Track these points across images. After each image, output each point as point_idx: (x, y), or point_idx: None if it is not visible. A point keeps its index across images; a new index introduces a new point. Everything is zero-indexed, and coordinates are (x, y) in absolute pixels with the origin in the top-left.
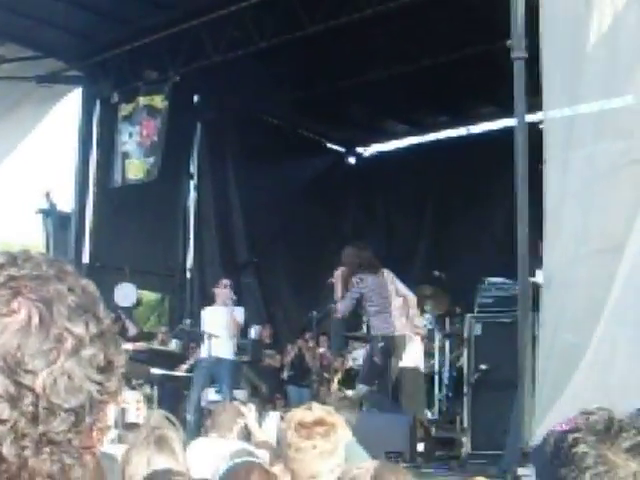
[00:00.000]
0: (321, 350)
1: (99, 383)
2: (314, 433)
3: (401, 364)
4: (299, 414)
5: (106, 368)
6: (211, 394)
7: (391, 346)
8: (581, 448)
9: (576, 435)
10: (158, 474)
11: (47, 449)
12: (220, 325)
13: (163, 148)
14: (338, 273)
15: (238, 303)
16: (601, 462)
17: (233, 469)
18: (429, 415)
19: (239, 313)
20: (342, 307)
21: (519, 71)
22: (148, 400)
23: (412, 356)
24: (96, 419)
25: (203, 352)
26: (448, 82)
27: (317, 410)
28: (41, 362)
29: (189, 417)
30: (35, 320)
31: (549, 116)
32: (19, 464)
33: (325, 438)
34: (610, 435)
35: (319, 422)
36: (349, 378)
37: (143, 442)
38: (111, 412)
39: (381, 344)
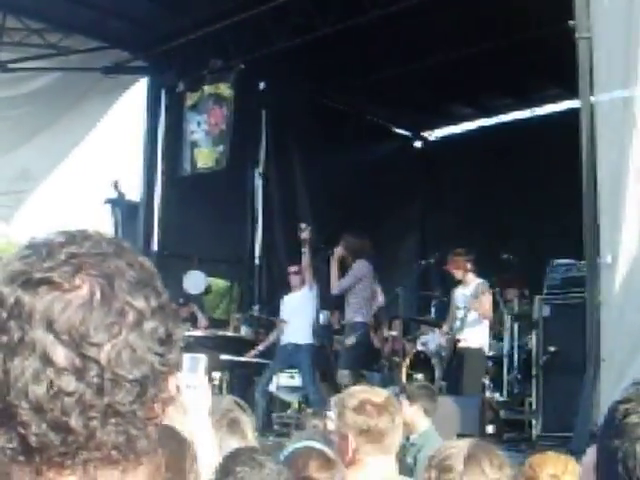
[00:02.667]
0: (393, 333)
1: (161, 355)
2: (373, 413)
3: (465, 344)
4: (363, 394)
5: (166, 340)
6: (283, 379)
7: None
8: (632, 419)
9: (627, 406)
10: (242, 451)
11: (113, 420)
12: (295, 310)
13: (231, 136)
14: (339, 252)
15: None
16: None
17: (292, 455)
18: (498, 397)
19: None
20: (343, 285)
21: (583, 51)
22: (218, 387)
23: (477, 337)
24: (159, 390)
25: (282, 340)
26: (512, 64)
27: (380, 392)
28: (105, 335)
29: (260, 401)
30: (97, 295)
31: (602, 98)
32: (87, 435)
33: (387, 418)
34: None
35: (378, 403)
36: (419, 362)
37: (215, 424)
38: (173, 384)
39: (360, 331)
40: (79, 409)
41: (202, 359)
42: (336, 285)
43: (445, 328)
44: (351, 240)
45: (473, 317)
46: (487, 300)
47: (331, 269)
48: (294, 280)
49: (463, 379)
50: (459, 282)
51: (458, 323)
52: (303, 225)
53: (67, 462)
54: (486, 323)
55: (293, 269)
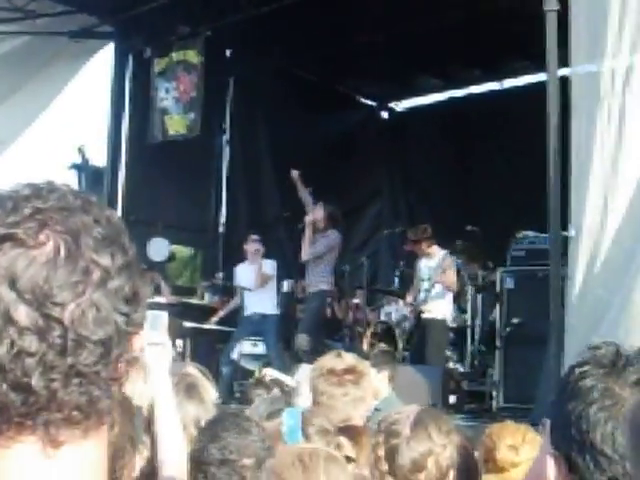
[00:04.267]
0: (356, 301)
1: (126, 314)
2: (345, 380)
3: (429, 315)
4: (330, 362)
5: (132, 299)
6: (246, 347)
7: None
8: (587, 382)
9: (583, 369)
10: (226, 416)
11: (75, 381)
12: (251, 281)
13: (202, 103)
14: (316, 216)
15: (269, 257)
16: (607, 395)
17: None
18: (460, 368)
19: (267, 266)
20: (317, 251)
21: (551, 24)
22: (181, 354)
23: (440, 308)
24: (123, 351)
25: (246, 309)
26: (481, 36)
27: (347, 358)
28: (69, 294)
29: (224, 370)
30: (62, 252)
31: (576, 71)
32: (48, 396)
33: (356, 385)
34: (617, 369)
35: (349, 370)
36: (381, 332)
37: (173, 389)
38: (137, 344)
39: (329, 299)
40: (41, 370)
41: (164, 316)
42: (308, 251)
43: (409, 299)
44: (331, 208)
45: (437, 289)
46: (452, 272)
47: (305, 234)
48: (249, 250)
49: (426, 350)
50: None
51: (422, 295)
52: (294, 171)
53: (27, 422)
54: (450, 295)
55: (252, 237)
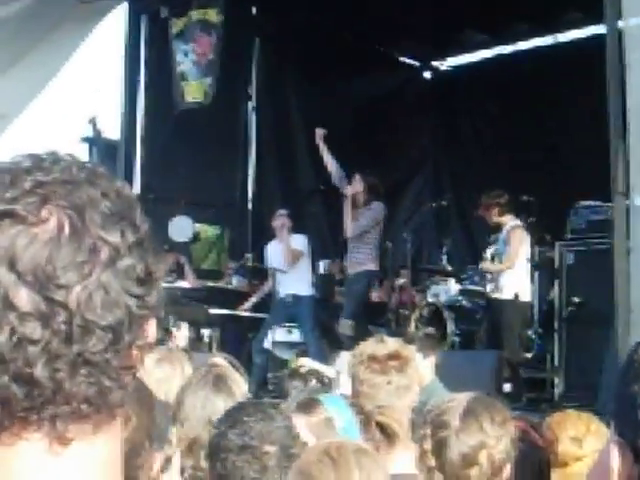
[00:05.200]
0: (400, 282)
1: (138, 296)
2: (388, 367)
3: (497, 295)
4: (371, 347)
5: (145, 280)
6: (279, 334)
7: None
8: None
9: None
10: (248, 403)
11: (83, 370)
12: (281, 260)
13: (219, 67)
14: (355, 188)
15: (304, 234)
16: None
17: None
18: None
19: (296, 240)
20: (362, 226)
21: None
22: (208, 345)
23: (509, 285)
24: (136, 336)
25: (278, 292)
26: None
27: (390, 342)
28: (74, 275)
29: (256, 360)
30: (66, 229)
31: (631, 22)
32: (53, 387)
33: (400, 373)
34: None
35: (393, 355)
36: (430, 315)
37: (199, 381)
38: (152, 328)
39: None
40: (45, 359)
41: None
42: (353, 227)
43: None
44: (371, 179)
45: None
46: (515, 246)
47: (345, 208)
48: (277, 226)
49: (502, 336)
50: (496, 227)
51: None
52: (319, 131)
53: (32, 417)
54: (522, 269)
55: (281, 212)
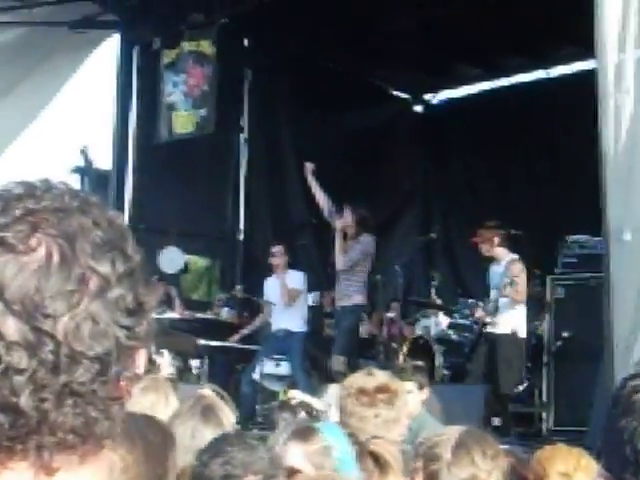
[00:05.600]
0: (391, 315)
1: (127, 327)
2: (377, 400)
3: (494, 329)
4: (360, 380)
5: (135, 310)
6: (268, 367)
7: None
8: None
9: (636, 382)
10: (230, 435)
11: (69, 401)
12: (278, 296)
13: (216, 98)
14: (346, 221)
15: (294, 268)
16: None
17: None
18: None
19: (294, 279)
20: (353, 259)
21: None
22: (196, 376)
23: (510, 320)
24: (124, 367)
25: (273, 325)
26: (524, 19)
27: (379, 375)
28: (62, 305)
29: (244, 391)
30: (56, 258)
31: (620, 57)
32: (39, 417)
33: (389, 406)
34: None
35: (382, 388)
36: (418, 348)
37: (188, 412)
38: (141, 359)
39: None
40: (31, 388)
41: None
42: (343, 260)
43: (478, 312)
44: (362, 212)
45: (506, 299)
46: (521, 281)
47: (336, 241)
48: (277, 260)
49: (498, 371)
50: (488, 259)
51: (490, 305)
52: (308, 165)
53: (17, 447)
54: (522, 305)
55: (277, 248)
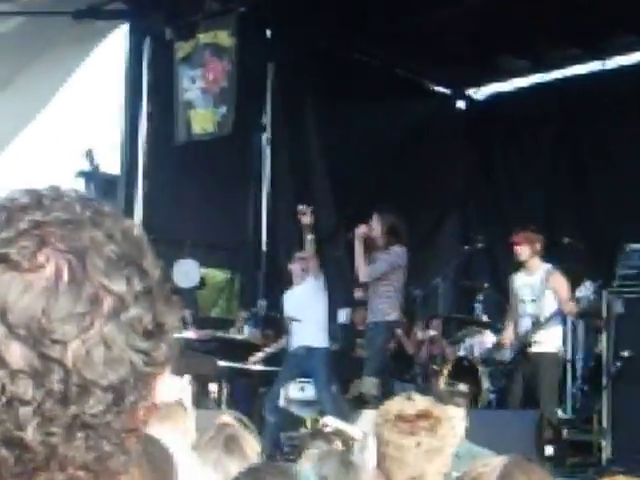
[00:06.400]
0: (431, 333)
1: (145, 352)
2: (417, 427)
3: (539, 348)
4: (398, 405)
5: (154, 333)
6: (293, 391)
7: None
8: None
9: None
10: (269, 465)
11: (80, 434)
12: (301, 307)
13: (236, 95)
14: (369, 229)
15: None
16: None
17: None
18: (560, 413)
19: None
20: (378, 270)
21: None
22: (216, 400)
23: (553, 338)
24: (141, 396)
25: (291, 344)
26: (575, 6)
27: (420, 401)
28: (72, 329)
29: (269, 419)
30: (65, 276)
31: None
32: (46, 452)
33: (431, 433)
34: None
35: (423, 415)
36: (461, 370)
37: (209, 443)
38: (160, 386)
39: (396, 331)
40: (37, 421)
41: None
42: (366, 270)
43: (508, 332)
44: (392, 220)
45: (547, 313)
46: (563, 289)
47: (356, 250)
48: (295, 270)
49: (541, 393)
50: (518, 267)
51: (526, 321)
52: (303, 207)
53: None
54: (559, 320)
55: (298, 255)
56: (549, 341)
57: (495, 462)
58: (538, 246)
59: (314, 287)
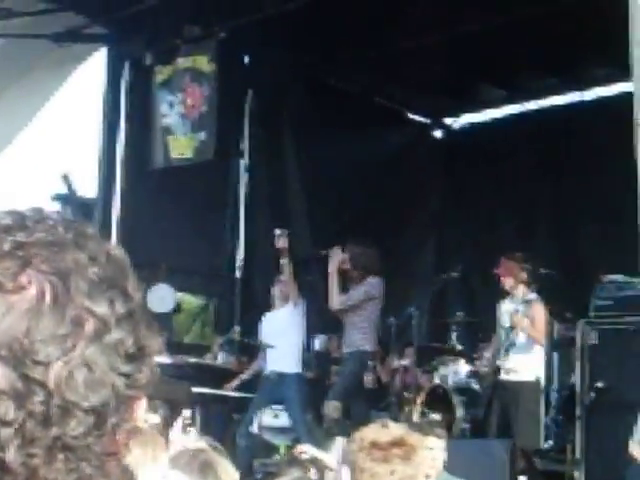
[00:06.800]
0: (405, 363)
1: (127, 375)
2: (391, 455)
3: (512, 376)
4: (372, 433)
5: (136, 356)
6: (267, 418)
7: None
8: None
9: None
10: None
11: (61, 456)
12: (277, 332)
13: (216, 120)
14: (339, 259)
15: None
16: None
17: None
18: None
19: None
20: (352, 299)
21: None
22: (189, 427)
23: (529, 365)
24: (122, 419)
25: (265, 368)
26: (554, 36)
27: (394, 428)
28: (55, 350)
29: (240, 442)
30: (48, 298)
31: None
32: (27, 474)
33: (405, 461)
34: None
35: (397, 442)
36: (436, 399)
37: (184, 468)
38: (141, 409)
39: (371, 362)
40: (18, 442)
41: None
42: (339, 299)
43: (486, 355)
44: (357, 251)
45: (522, 339)
46: (540, 319)
47: (330, 278)
48: (277, 292)
49: (518, 424)
50: (506, 294)
51: (502, 349)
52: (279, 231)
53: None
54: (540, 349)
55: (282, 277)
56: (527, 369)
57: None
58: (523, 275)
59: (292, 313)
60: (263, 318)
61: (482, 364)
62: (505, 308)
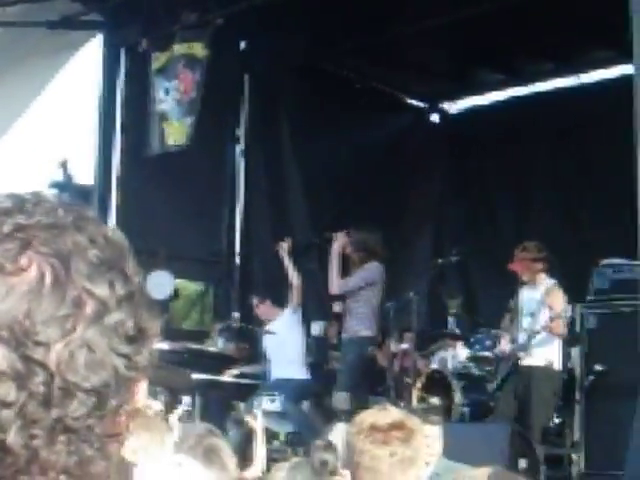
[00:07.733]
0: (404, 346)
1: (127, 356)
2: (391, 437)
3: (529, 361)
4: (372, 416)
5: (136, 337)
6: (264, 403)
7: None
8: None
9: None
10: None
11: (62, 438)
12: (281, 343)
13: (200, 106)
14: (341, 242)
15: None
16: None
17: None
18: None
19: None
20: (350, 285)
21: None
22: (189, 413)
23: (545, 350)
24: (123, 400)
25: (271, 375)
26: (552, 20)
27: (394, 412)
28: (55, 331)
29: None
30: (48, 279)
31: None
32: (28, 456)
33: (405, 444)
34: None
35: (397, 425)
36: (435, 383)
37: (188, 453)
38: (142, 391)
39: (371, 347)
40: (19, 424)
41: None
42: (338, 283)
43: (504, 342)
44: (361, 237)
45: (539, 327)
46: (558, 307)
47: (330, 262)
48: (262, 312)
49: (531, 408)
50: (523, 283)
51: (522, 335)
52: (283, 244)
53: None
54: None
55: (256, 300)
56: (541, 354)
57: (480, 472)
58: (539, 265)
59: (290, 321)
60: (264, 333)
61: (500, 349)
62: (525, 295)
